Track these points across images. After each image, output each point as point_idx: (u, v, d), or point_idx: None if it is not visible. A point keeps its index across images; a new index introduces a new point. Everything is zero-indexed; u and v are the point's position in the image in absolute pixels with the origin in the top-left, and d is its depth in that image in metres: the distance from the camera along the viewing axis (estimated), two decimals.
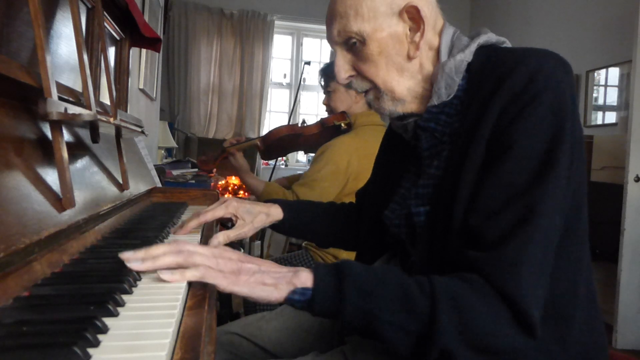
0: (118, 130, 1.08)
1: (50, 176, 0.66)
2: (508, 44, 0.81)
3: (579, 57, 3.87)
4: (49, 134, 0.68)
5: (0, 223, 0.49)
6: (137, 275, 0.61)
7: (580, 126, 0.72)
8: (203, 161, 2.04)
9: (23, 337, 0.41)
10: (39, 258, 0.57)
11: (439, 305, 0.61)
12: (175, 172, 2.73)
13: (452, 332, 0.61)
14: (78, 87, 0.91)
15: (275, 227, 1.03)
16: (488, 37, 0.80)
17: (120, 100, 1.46)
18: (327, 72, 1.90)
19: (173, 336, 0.46)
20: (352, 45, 0.80)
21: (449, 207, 0.72)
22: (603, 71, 3.84)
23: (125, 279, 0.57)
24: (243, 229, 0.94)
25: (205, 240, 0.91)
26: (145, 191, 1.29)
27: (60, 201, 0.65)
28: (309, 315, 1.01)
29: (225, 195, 2.67)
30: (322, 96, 1.98)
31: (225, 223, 1.00)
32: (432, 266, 0.74)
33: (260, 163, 5.34)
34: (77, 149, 0.86)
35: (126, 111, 1.53)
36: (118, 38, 1.42)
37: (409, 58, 0.79)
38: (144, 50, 2.88)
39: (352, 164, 1.71)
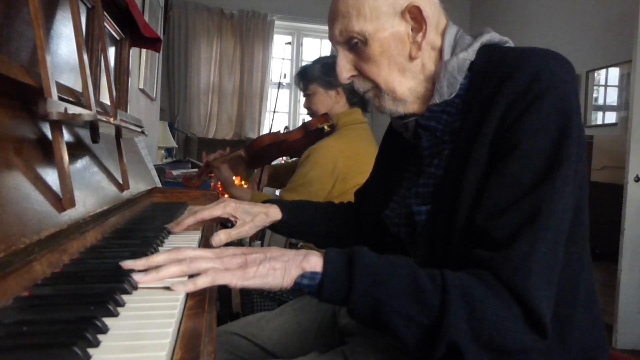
0: (118, 130, 1.08)
1: (50, 176, 0.66)
2: (511, 44, 0.81)
3: (579, 57, 3.87)
4: (49, 134, 0.68)
5: (0, 223, 0.49)
6: None
7: (582, 128, 0.72)
8: (187, 178, 2.03)
9: (23, 337, 0.41)
10: (39, 258, 0.57)
11: (450, 298, 0.60)
12: (175, 172, 2.74)
13: (462, 326, 0.60)
14: (78, 87, 0.91)
15: (274, 227, 1.02)
16: (491, 36, 0.80)
17: (120, 100, 1.46)
18: (304, 75, 1.87)
19: (173, 336, 0.46)
20: (354, 45, 0.80)
21: (451, 206, 0.72)
22: (603, 71, 3.84)
23: (125, 279, 0.57)
24: (244, 227, 0.94)
25: (205, 241, 0.91)
26: (145, 191, 1.29)
27: (60, 201, 0.65)
28: (309, 315, 1.02)
29: (225, 196, 2.67)
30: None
31: (226, 224, 1.00)
32: (432, 265, 0.74)
33: None
34: (77, 149, 0.86)
35: (126, 111, 1.53)
36: (118, 38, 1.42)
37: (411, 58, 0.79)
38: (144, 50, 2.89)
39: (338, 165, 1.70)
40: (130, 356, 0.41)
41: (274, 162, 2.13)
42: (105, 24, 1.23)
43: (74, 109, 0.69)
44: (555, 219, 0.64)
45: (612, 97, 3.86)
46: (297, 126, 1.96)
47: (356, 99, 1.86)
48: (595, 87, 3.96)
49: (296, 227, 1.04)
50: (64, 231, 0.64)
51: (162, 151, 4.14)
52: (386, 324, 0.62)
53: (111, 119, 0.99)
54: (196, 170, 2.92)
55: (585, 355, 0.72)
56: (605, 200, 2.80)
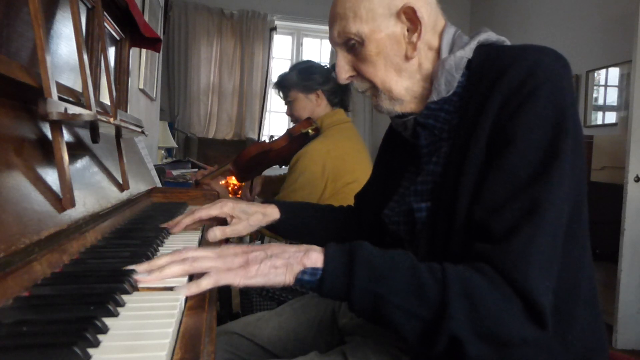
0: (118, 130, 1.08)
1: (50, 176, 0.66)
2: (508, 43, 0.82)
3: (579, 57, 3.87)
4: (49, 134, 0.68)
5: (0, 223, 0.49)
6: None
7: (580, 123, 0.72)
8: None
9: (23, 337, 0.41)
10: (39, 258, 0.57)
11: (450, 291, 0.60)
12: (175, 172, 2.74)
13: (463, 319, 0.60)
14: (78, 87, 0.91)
15: (272, 227, 1.02)
16: (488, 35, 0.80)
17: (120, 100, 1.46)
18: (282, 84, 1.89)
19: (173, 336, 0.46)
20: (352, 46, 0.82)
21: (451, 202, 0.72)
22: (603, 71, 3.84)
23: (125, 279, 0.57)
24: (238, 226, 0.94)
25: (205, 241, 0.91)
26: (145, 191, 1.29)
27: (60, 201, 0.65)
28: (309, 314, 1.03)
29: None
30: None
31: (225, 223, 1.00)
32: (433, 262, 0.74)
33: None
34: (77, 149, 0.86)
35: (126, 111, 1.53)
36: (118, 38, 1.42)
37: (407, 58, 0.80)
38: (144, 50, 2.89)
39: (327, 167, 1.70)
40: (130, 356, 0.41)
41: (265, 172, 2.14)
42: (105, 24, 1.23)
43: (74, 109, 0.69)
44: (553, 212, 0.64)
45: (612, 97, 3.86)
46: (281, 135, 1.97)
47: (337, 99, 1.88)
48: (595, 87, 3.96)
49: (295, 228, 1.04)
50: (64, 231, 0.64)
51: (162, 151, 4.14)
52: (387, 319, 0.62)
53: (111, 119, 0.99)
54: (196, 170, 2.92)
55: (585, 354, 0.72)
56: (605, 200, 2.80)
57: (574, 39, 4.02)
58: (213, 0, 5.33)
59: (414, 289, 0.61)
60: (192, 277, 0.63)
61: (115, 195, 0.94)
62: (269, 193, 2.13)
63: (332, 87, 1.85)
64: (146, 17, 2.79)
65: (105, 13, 1.17)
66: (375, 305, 0.62)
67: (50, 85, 0.63)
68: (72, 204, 0.66)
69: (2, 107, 0.61)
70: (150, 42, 1.54)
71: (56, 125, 0.66)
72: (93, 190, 0.83)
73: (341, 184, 1.71)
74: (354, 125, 1.92)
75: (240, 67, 5.51)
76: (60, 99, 0.66)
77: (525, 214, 0.64)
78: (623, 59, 3.47)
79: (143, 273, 0.61)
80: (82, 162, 0.85)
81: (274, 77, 5.67)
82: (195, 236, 0.93)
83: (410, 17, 0.78)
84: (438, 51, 0.82)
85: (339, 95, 1.88)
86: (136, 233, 0.88)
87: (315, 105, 1.86)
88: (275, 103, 5.86)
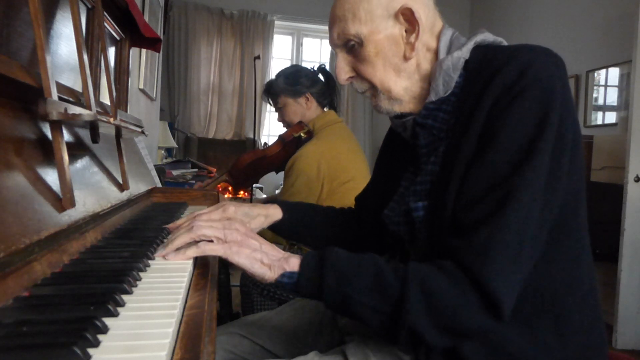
0: (118, 130, 1.08)
1: (50, 176, 0.66)
2: (505, 44, 0.83)
3: (579, 57, 3.87)
4: (49, 134, 0.68)
5: (0, 223, 0.49)
6: (137, 275, 0.61)
7: (576, 121, 0.73)
8: None
9: (23, 337, 0.41)
10: (39, 258, 0.57)
11: (409, 287, 0.65)
12: (175, 172, 2.74)
13: (420, 313, 0.64)
14: (78, 87, 0.91)
15: (274, 227, 1.03)
16: (485, 36, 0.81)
17: (120, 100, 1.46)
18: (271, 91, 1.90)
19: (173, 336, 0.46)
20: (351, 47, 0.83)
21: (444, 200, 0.73)
22: (603, 71, 3.84)
23: (125, 279, 0.57)
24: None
25: None
26: (145, 191, 1.29)
27: (60, 201, 0.65)
28: (309, 314, 1.03)
29: (225, 196, 2.67)
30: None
31: None
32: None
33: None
34: (77, 149, 0.86)
35: (126, 111, 1.53)
36: (118, 38, 1.42)
37: (406, 59, 0.82)
38: (144, 50, 2.88)
39: (322, 168, 1.71)
40: (130, 356, 0.41)
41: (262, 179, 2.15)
42: (105, 24, 1.23)
43: (74, 109, 0.69)
44: (521, 209, 0.65)
45: (612, 97, 3.86)
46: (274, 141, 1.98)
47: (326, 100, 1.89)
48: (595, 87, 3.96)
49: (296, 228, 1.04)
50: (64, 231, 0.64)
51: (162, 151, 4.14)
52: (356, 315, 0.69)
53: (111, 119, 0.99)
54: (198, 172, 2.92)
55: (584, 354, 0.72)
56: (605, 200, 2.80)
57: (574, 39, 4.02)
58: (213, 0, 5.33)
59: (376, 287, 0.67)
60: (197, 260, 0.73)
61: (115, 195, 0.94)
62: None
63: (320, 89, 1.85)
64: (146, 17, 2.79)
65: (105, 13, 1.17)
66: (344, 303, 0.68)
67: (50, 85, 0.63)
68: (72, 204, 0.66)
69: (2, 107, 0.61)
70: (150, 42, 1.54)
71: (56, 125, 0.66)
72: (93, 190, 0.83)
73: (337, 183, 1.72)
74: (346, 125, 1.92)
75: (240, 67, 5.51)
76: (60, 99, 0.66)
77: (493, 210, 0.66)
78: (623, 59, 3.47)
79: (162, 249, 0.73)
80: (82, 162, 0.85)
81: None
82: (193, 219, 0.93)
83: (408, 18, 0.80)
84: (436, 52, 0.83)
85: (328, 97, 1.89)
86: (136, 233, 0.88)
87: (306, 108, 1.86)
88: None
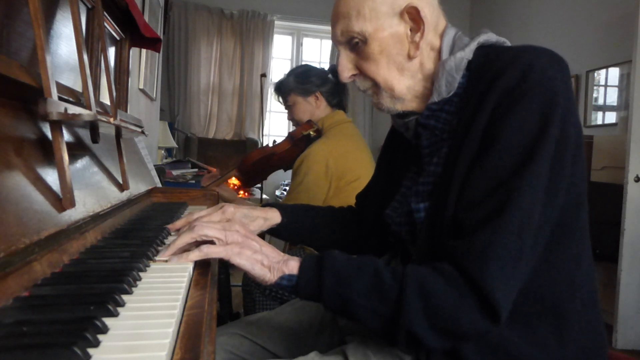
0: (118, 130, 1.08)
1: (50, 176, 0.66)
2: (508, 44, 0.82)
3: (579, 57, 3.87)
4: (49, 134, 0.68)
5: (0, 223, 0.49)
6: (137, 275, 0.61)
7: (579, 123, 0.72)
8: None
9: (23, 337, 0.41)
10: (39, 258, 0.57)
11: (407, 290, 0.66)
12: (175, 172, 2.74)
13: (417, 315, 0.65)
14: (78, 87, 0.91)
15: (274, 231, 1.03)
16: (488, 36, 0.81)
17: (120, 100, 1.46)
18: (282, 89, 1.91)
19: (173, 336, 0.46)
20: (355, 44, 0.82)
21: (445, 202, 0.73)
22: (603, 71, 3.84)
23: (125, 279, 0.57)
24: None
25: None
26: (145, 191, 1.29)
27: (60, 201, 0.65)
28: (309, 314, 1.03)
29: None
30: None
31: None
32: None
33: None
34: (77, 149, 0.86)
35: (126, 111, 1.53)
36: (118, 38, 1.42)
37: (410, 57, 0.81)
38: (144, 50, 2.88)
39: (330, 166, 1.72)
40: (130, 356, 0.41)
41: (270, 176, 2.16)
42: (105, 24, 1.23)
43: (74, 109, 0.69)
44: (521, 212, 0.65)
45: (612, 97, 3.86)
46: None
47: (335, 100, 1.90)
48: (595, 87, 3.96)
49: (296, 230, 1.04)
50: (64, 231, 0.64)
51: (162, 151, 4.14)
52: (355, 316, 0.69)
53: (111, 119, 0.99)
54: (198, 171, 2.92)
55: (584, 354, 0.72)
56: (605, 200, 2.80)
57: (574, 39, 4.02)
58: (213, 0, 5.33)
59: (375, 290, 0.67)
60: (196, 264, 0.72)
61: (115, 195, 0.94)
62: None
63: (330, 88, 1.86)
64: (146, 17, 2.79)
65: (105, 13, 1.17)
66: (343, 305, 0.69)
67: (50, 85, 0.62)
68: (72, 204, 0.66)
69: (2, 107, 0.61)
70: (150, 42, 1.54)
71: (56, 125, 0.66)
72: (93, 190, 0.83)
73: (344, 182, 1.73)
74: (355, 125, 1.93)
75: (240, 67, 5.51)
76: (60, 99, 0.66)
77: (492, 213, 0.66)
78: (623, 59, 3.47)
79: (164, 249, 0.73)
80: (82, 162, 0.85)
81: (274, 77, 5.68)
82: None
83: (414, 17, 0.79)
84: (439, 52, 0.82)
85: (337, 97, 1.90)
86: (136, 233, 0.88)
87: (315, 107, 1.88)
88: (275, 103, 5.86)
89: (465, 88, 0.78)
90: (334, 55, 5.54)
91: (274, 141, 2.05)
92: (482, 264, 0.64)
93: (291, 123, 1.99)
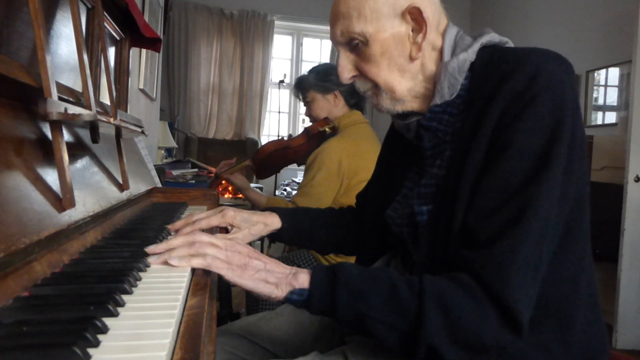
0: (118, 130, 1.08)
1: (50, 176, 0.66)
2: (511, 44, 0.81)
3: (579, 57, 3.87)
4: (49, 134, 0.68)
5: (0, 223, 0.49)
6: (137, 275, 0.61)
7: (582, 127, 0.72)
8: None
9: (23, 337, 0.41)
10: (39, 258, 0.57)
11: (426, 304, 0.63)
12: (175, 172, 2.74)
13: (438, 330, 0.63)
14: (78, 87, 0.91)
15: (274, 236, 1.02)
16: (491, 37, 0.80)
17: (120, 100, 1.46)
18: (301, 85, 1.94)
19: (173, 336, 0.46)
20: (355, 45, 0.80)
21: (451, 206, 0.72)
22: (603, 71, 3.84)
23: (125, 279, 0.57)
24: (238, 235, 0.94)
25: None
26: (145, 191, 1.29)
27: (60, 201, 0.65)
28: (309, 315, 1.02)
29: (225, 196, 2.67)
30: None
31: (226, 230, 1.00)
32: (433, 266, 0.74)
33: None
34: (77, 149, 0.86)
35: (126, 111, 1.53)
36: (118, 38, 1.42)
37: (411, 59, 0.80)
38: (144, 50, 2.88)
39: (343, 164, 1.74)
40: (130, 356, 0.41)
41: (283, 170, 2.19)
42: (105, 24, 1.23)
43: (74, 109, 0.69)
44: (539, 221, 0.64)
45: (612, 97, 3.86)
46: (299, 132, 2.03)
47: (354, 100, 1.92)
48: (595, 87, 3.96)
49: (296, 235, 1.03)
50: (64, 231, 0.64)
51: (162, 151, 4.14)
52: (371, 332, 0.66)
53: (111, 119, 0.99)
54: (198, 171, 2.92)
55: (586, 355, 0.72)
56: (605, 200, 2.80)
57: (574, 39, 4.02)
58: (213, 0, 5.33)
59: (392, 304, 0.65)
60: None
61: (115, 195, 0.94)
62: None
63: (349, 88, 1.89)
64: (146, 17, 2.79)
65: (105, 13, 1.17)
66: (358, 320, 0.66)
67: (50, 85, 0.62)
68: (72, 204, 0.66)
69: (2, 107, 0.61)
70: (150, 42, 1.54)
71: (56, 125, 0.66)
72: (93, 190, 0.83)
73: (356, 181, 1.74)
74: (371, 128, 1.94)
75: (240, 67, 5.51)
76: (60, 99, 0.66)
77: (510, 222, 0.65)
78: (623, 59, 3.47)
79: (156, 253, 0.70)
80: (82, 162, 0.85)
81: (273, 77, 5.68)
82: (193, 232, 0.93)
83: (415, 17, 0.77)
84: (440, 51, 0.81)
85: (356, 97, 1.92)
86: (136, 233, 0.88)
87: (333, 105, 1.90)
88: (275, 103, 5.86)
89: (468, 90, 0.77)
90: (334, 55, 5.54)
91: (290, 135, 2.07)
92: (503, 275, 0.63)
93: (309, 119, 2.02)
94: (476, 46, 0.78)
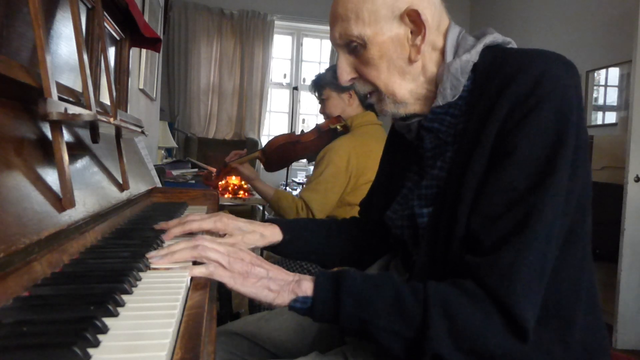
0: (118, 130, 1.08)
1: (50, 176, 0.66)
2: (514, 45, 0.81)
3: (579, 57, 3.87)
4: (49, 134, 0.68)
5: (0, 223, 0.49)
6: (137, 275, 0.61)
7: (586, 130, 0.71)
8: (206, 177, 2.08)
9: (23, 337, 0.41)
10: (39, 258, 0.57)
11: (431, 311, 0.63)
12: (175, 172, 2.74)
13: (443, 337, 0.62)
14: (78, 87, 0.91)
15: (274, 249, 0.99)
16: (494, 37, 0.79)
17: (120, 100, 1.46)
18: (318, 82, 1.95)
19: (173, 336, 0.46)
20: (354, 48, 0.80)
21: (453, 209, 0.72)
22: (603, 71, 3.84)
23: (125, 279, 0.57)
24: (229, 241, 0.89)
25: None
26: (145, 191, 1.29)
27: (60, 201, 0.65)
28: None
29: (225, 196, 2.67)
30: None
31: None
32: (433, 267, 0.74)
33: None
34: (77, 149, 0.86)
35: (126, 111, 1.53)
36: (118, 38, 1.42)
37: (411, 61, 0.79)
38: (144, 50, 2.88)
39: (352, 162, 1.75)
40: (130, 356, 0.41)
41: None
42: (105, 24, 1.23)
43: (74, 109, 0.69)
44: (544, 227, 0.64)
45: (612, 97, 3.86)
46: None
47: (368, 101, 1.91)
48: (595, 87, 3.96)
49: (299, 248, 1.00)
50: (64, 231, 0.64)
51: (162, 151, 4.14)
52: (375, 339, 0.66)
53: (111, 119, 0.99)
54: (198, 171, 2.92)
55: (586, 356, 0.72)
56: (605, 200, 2.79)
57: (574, 39, 4.02)
58: (213, 0, 5.33)
59: (396, 311, 0.65)
60: (195, 263, 0.70)
61: (115, 195, 0.94)
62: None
63: None
64: (146, 17, 2.79)
65: (105, 13, 1.17)
66: (363, 328, 0.66)
67: (50, 85, 0.62)
68: (72, 204, 0.66)
69: (2, 107, 0.61)
70: (150, 42, 1.54)
71: (56, 125, 0.66)
72: (93, 190, 0.83)
73: (363, 180, 1.76)
74: (384, 130, 1.95)
75: (240, 67, 5.51)
76: (60, 99, 0.66)
77: (515, 228, 0.65)
78: (623, 59, 3.47)
79: (158, 256, 0.69)
80: (82, 162, 0.85)
81: (273, 77, 5.68)
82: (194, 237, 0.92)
83: (414, 20, 0.77)
84: (442, 52, 0.80)
85: None
86: (136, 233, 0.87)
87: (347, 104, 1.92)
88: (275, 103, 5.86)
89: (470, 91, 0.77)
90: (334, 55, 5.54)
91: (302, 130, 2.08)
92: (509, 283, 0.62)
93: (322, 117, 2.03)
94: (479, 47, 0.77)
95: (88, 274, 0.59)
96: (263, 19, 5.45)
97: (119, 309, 0.50)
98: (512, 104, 0.68)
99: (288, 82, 5.84)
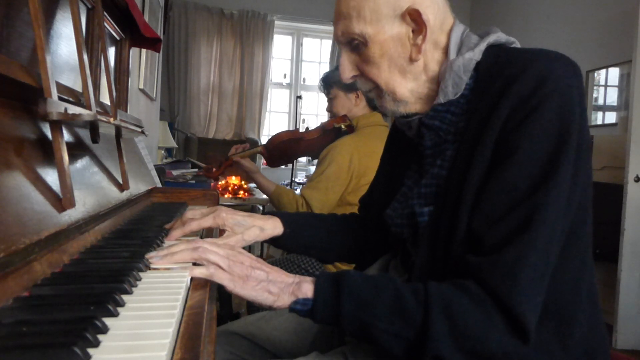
0: (118, 130, 1.08)
1: (50, 176, 0.66)
2: (517, 44, 0.80)
3: (579, 57, 3.85)
4: (49, 134, 0.68)
5: (0, 223, 0.49)
6: (137, 275, 0.61)
7: (588, 130, 0.71)
8: (207, 169, 2.07)
9: (23, 337, 0.41)
10: (39, 258, 0.57)
11: (432, 313, 0.63)
12: (175, 172, 2.74)
13: (444, 339, 0.62)
14: (78, 87, 0.91)
15: (274, 242, 0.98)
16: (498, 36, 0.79)
17: (120, 100, 1.46)
18: (327, 80, 1.96)
19: (173, 336, 0.46)
20: (356, 46, 0.80)
21: (454, 208, 0.72)
22: (603, 71, 3.84)
23: (125, 279, 0.57)
24: (229, 240, 0.89)
25: None
26: (145, 191, 1.29)
27: (60, 201, 0.65)
28: None
29: (225, 196, 2.67)
30: (322, 96, 2.02)
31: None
32: (433, 267, 0.74)
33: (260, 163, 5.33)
34: (77, 149, 0.86)
35: (126, 111, 1.53)
36: (118, 38, 1.42)
37: (412, 60, 0.79)
38: (144, 50, 2.88)
39: (354, 162, 1.75)
40: (130, 356, 0.41)
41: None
42: (105, 24, 1.23)
43: (74, 109, 0.69)
44: (546, 228, 0.64)
45: (612, 97, 3.86)
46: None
47: (370, 95, 1.92)
48: (595, 87, 3.96)
49: (300, 241, 1.00)
50: (64, 231, 0.64)
51: (162, 151, 4.14)
52: (376, 341, 0.66)
53: (111, 119, 0.99)
54: (197, 169, 2.92)
55: (586, 356, 0.71)
56: (605, 200, 2.80)
57: (574, 39, 4.02)
58: (213, 0, 5.33)
59: (397, 313, 0.65)
60: (195, 264, 0.69)
61: (115, 195, 0.94)
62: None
63: None
64: (146, 17, 2.79)
65: (105, 13, 1.17)
66: (363, 330, 0.66)
67: (50, 85, 0.62)
68: (72, 204, 0.66)
69: (2, 107, 0.61)
70: (150, 42, 1.54)
71: (56, 125, 0.66)
72: (93, 190, 0.83)
73: (364, 181, 1.76)
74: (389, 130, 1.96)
75: (240, 67, 5.51)
76: (60, 99, 0.66)
77: (518, 229, 0.64)
78: (623, 59, 3.47)
79: (158, 257, 0.69)
80: (82, 162, 0.85)
81: (273, 77, 5.68)
82: (194, 239, 0.93)
83: (416, 19, 0.77)
84: (445, 50, 0.80)
85: None
86: (136, 233, 0.87)
87: (354, 104, 1.92)
88: (275, 103, 5.86)
89: (472, 90, 0.77)
90: (334, 55, 5.54)
91: (307, 127, 2.08)
92: (511, 284, 0.62)
93: (329, 115, 2.04)
94: (482, 45, 0.77)
95: (88, 274, 0.59)
96: (263, 19, 5.45)
97: (119, 309, 0.50)
98: (514, 104, 0.68)
99: (288, 82, 5.84)
